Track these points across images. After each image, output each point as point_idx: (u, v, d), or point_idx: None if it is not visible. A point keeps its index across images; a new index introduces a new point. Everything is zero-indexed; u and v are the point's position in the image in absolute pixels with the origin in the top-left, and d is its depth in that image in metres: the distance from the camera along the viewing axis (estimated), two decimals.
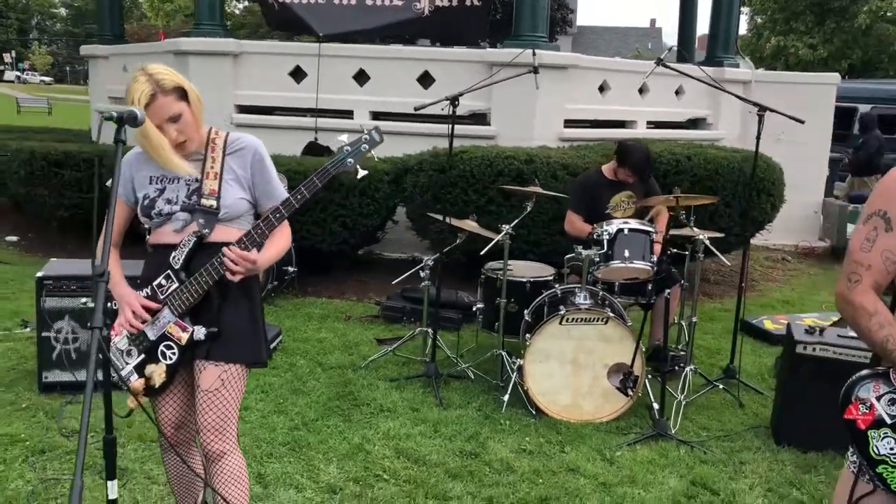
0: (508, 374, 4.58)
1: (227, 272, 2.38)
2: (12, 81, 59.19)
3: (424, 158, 6.64)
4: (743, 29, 32.52)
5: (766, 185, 7.08)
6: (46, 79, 64.41)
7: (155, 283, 2.51)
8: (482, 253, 4.76)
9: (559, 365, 4.33)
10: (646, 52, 50.67)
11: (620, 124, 8.55)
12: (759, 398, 4.76)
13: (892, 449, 1.88)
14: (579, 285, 4.49)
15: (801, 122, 4.76)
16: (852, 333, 4.12)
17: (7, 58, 61.22)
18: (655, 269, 4.42)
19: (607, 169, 5.10)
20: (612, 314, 4.30)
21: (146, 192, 2.51)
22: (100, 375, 2.20)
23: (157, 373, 2.52)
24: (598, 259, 4.51)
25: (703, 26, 11.76)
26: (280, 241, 2.55)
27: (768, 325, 6.07)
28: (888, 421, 1.88)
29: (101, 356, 1.78)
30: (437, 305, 5.00)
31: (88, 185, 7.46)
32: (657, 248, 4.57)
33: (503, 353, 4.72)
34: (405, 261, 7.33)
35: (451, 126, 4.75)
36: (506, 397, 4.43)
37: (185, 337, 2.48)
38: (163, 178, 2.52)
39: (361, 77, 7.95)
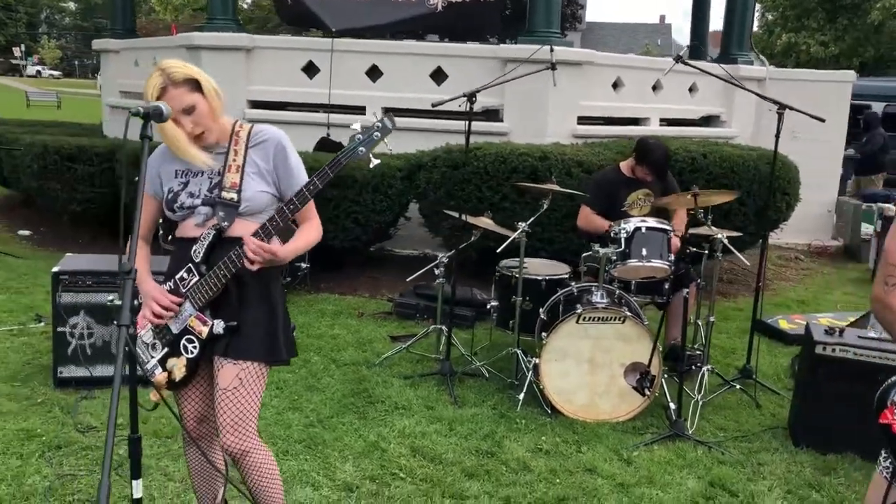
0: (524, 372, 4.56)
1: (245, 261, 2.37)
2: (34, 76, 59.97)
3: (438, 155, 6.61)
4: (753, 26, 32.32)
5: (782, 184, 7.03)
6: (55, 72, 64.76)
7: (177, 276, 2.52)
8: (498, 251, 4.74)
9: (576, 364, 4.30)
10: (655, 48, 50.50)
11: (634, 121, 8.50)
12: (776, 398, 4.72)
13: None
14: (596, 284, 4.46)
15: (822, 120, 4.71)
16: (872, 334, 4.11)
17: (17, 51, 61.56)
18: (673, 267, 4.39)
19: (625, 166, 5.06)
20: (629, 313, 4.27)
21: (171, 186, 2.52)
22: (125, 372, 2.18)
23: (178, 366, 2.52)
24: (615, 257, 4.48)
25: (713, 23, 11.76)
26: (309, 233, 2.55)
27: (783, 324, 6.02)
28: None
29: (127, 349, 1.76)
30: (453, 303, 4.98)
31: (101, 180, 7.46)
32: (675, 246, 4.54)
33: (518, 352, 4.69)
34: (417, 257, 7.32)
35: (467, 122, 4.72)
36: (521, 396, 4.41)
37: (205, 331, 2.47)
38: (187, 172, 2.52)
39: (374, 73, 7.92)
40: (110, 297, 4.28)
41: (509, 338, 4.89)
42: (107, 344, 4.41)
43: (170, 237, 2.64)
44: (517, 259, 4.68)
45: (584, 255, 4.89)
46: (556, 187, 4.74)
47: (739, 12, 9.66)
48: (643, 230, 4.47)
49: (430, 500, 3.40)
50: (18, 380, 4.45)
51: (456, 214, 4.94)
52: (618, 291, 4.48)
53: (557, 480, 3.64)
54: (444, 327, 4.99)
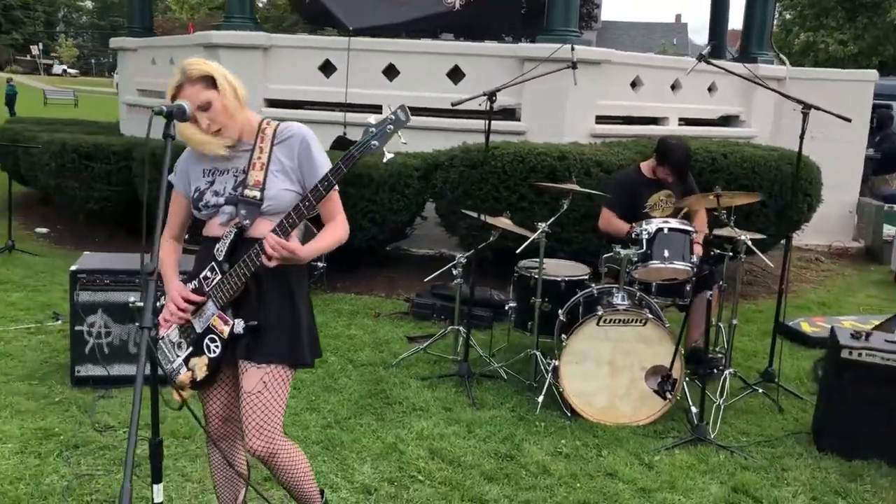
0: (543, 374, 4.51)
1: (263, 258, 2.34)
2: (61, 75, 61.14)
3: (455, 154, 6.56)
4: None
5: (804, 185, 6.94)
6: (72, 71, 65.40)
7: (202, 275, 2.51)
8: (518, 251, 4.68)
9: (596, 366, 4.25)
10: (671, 47, 50.22)
11: (652, 121, 8.42)
12: (799, 403, 4.64)
13: None
14: (616, 285, 4.41)
15: (848, 120, 4.63)
16: None
17: (35, 50, 62.25)
18: (696, 269, 4.32)
19: (646, 167, 5.00)
20: (650, 315, 4.21)
21: (198, 185, 2.52)
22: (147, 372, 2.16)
23: (199, 366, 2.50)
24: (636, 259, 4.42)
25: (732, 21, 11.62)
26: (335, 231, 2.53)
27: (805, 327, 5.94)
28: None
29: (151, 349, 1.74)
30: (471, 304, 4.93)
31: (118, 178, 7.48)
32: (697, 248, 4.47)
33: (538, 353, 4.64)
34: (433, 257, 7.28)
35: (487, 122, 4.68)
36: (540, 398, 4.36)
37: (226, 330, 2.45)
38: (213, 171, 2.51)
39: (391, 71, 7.89)
40: (132, 299, 4.27)
41: (527, 339, 4.84)
42: (124, 343, 4.40)
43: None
44: (536, 259, 4.63)
45: (604, 255, 4.84)
46: (576, 187, 4.68)
47: (760, 11, 9.55)
48: (665, 231, 4.41)
49: None
50: (36, 378, 4.45)
51: (474, 214, 4.90)
52: (639, 293, 4.42)
53: (578, 485, 3.59)
54: (461, 328, 4.95)
